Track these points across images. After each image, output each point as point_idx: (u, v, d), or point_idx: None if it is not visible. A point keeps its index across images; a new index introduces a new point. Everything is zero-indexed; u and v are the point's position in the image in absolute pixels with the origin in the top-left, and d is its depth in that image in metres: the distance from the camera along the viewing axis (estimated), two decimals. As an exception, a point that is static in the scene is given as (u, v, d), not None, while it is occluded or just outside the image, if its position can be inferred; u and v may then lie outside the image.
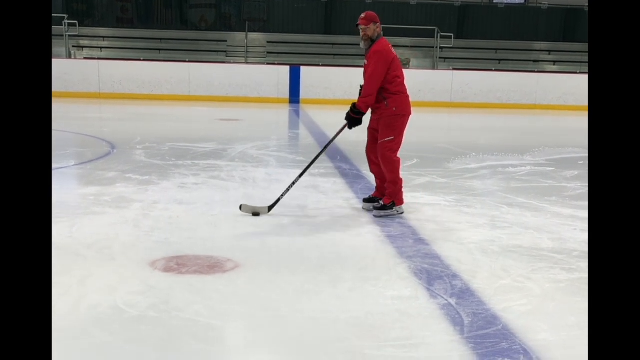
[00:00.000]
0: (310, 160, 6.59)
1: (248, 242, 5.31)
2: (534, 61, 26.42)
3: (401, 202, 6.38)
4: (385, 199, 6.35)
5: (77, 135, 11.93)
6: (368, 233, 5.74)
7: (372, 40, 6.22)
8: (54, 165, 8.11)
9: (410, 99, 6.30)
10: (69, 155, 9.68)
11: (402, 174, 6.09)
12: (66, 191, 6.95)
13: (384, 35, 6.24)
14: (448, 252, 5.14)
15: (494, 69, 24.24)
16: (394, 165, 6.28)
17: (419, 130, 15.35)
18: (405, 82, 6.32)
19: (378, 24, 6.21)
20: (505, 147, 11.98)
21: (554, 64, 26.35)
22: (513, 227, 6.00)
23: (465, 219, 6.27)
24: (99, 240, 5.17)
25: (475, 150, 10.98)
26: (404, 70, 6.33)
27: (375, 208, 6.34)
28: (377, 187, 6.67)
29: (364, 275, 4.55)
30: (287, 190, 6.36)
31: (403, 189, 6.39)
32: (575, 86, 21.51)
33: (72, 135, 11.81)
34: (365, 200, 6.62)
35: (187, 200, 6.65)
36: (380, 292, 4.23)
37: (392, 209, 6.29)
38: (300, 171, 6.52)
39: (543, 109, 21.59)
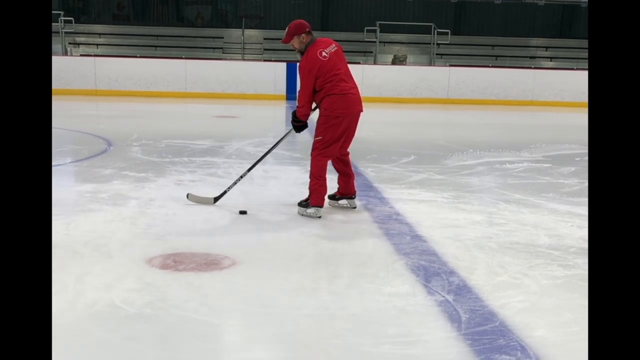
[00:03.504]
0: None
1: (245, 239, 5.31)
2: (531, 57, 26.48)
3: (318, 202, 6.14)
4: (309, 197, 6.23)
5: (73, 133, 11.90)
6: (365, 230, 5.75)
7: (302, 52, 6.11)
8: (50, 163, 8.10)
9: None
10: (66, 152, 9.68)
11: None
12: (63, 188, 6.93)
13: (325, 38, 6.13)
14: (445, 249, 5.14)
15: (490, 65, 24.27)
16: (316, 162, 6.09)
17: (415, 127, 15.39)
18: (356, 78, 6.23)
19: (303, 34, 6.05)
20: (502, 143, 11.99)
21: (551, 60, 26.40)
22: (510, 223, 6.00)
23: (462, 215, 6.28)
24: (96, 238, 5.17)
25: (472, 147, 10.99)
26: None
27: (299, 204, 6.26)
28: (338, 184, 6.53)
29: (361, 272, 4.55)
30: (235, 183, 6.47)
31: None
32: (572, 82, 21.55)
33: (68, 132, 11.79)
34: (330, 197, 6.52)
35: (184, 198, 6.63)
36: (377, 288, 4.23)
37: (311, 208, 6.13)
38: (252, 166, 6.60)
39: (540, 105, 21.58)
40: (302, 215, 6.12)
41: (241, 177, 6.50)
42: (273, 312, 3.82)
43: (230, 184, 6.44)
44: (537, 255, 5.01)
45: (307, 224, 5.85)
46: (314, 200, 6.14)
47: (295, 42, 6.09)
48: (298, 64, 6.17)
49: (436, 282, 4.36)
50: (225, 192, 6.36)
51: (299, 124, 6.27)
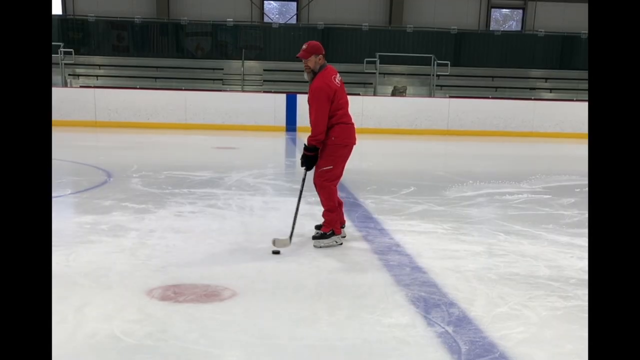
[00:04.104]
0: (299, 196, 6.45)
1: (245, 271, 5.30)
2: (531, 88, 26.57)
3: (339, 231, 6.29)
4: (323, 227, 6.26)
5: (73, 164, 11.92)
6: (365, 261, 5.74)
7: (314, 73, 6.08)
8: (50, 194, 8.10)
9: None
10: (65, 183, 9.69)
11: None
12: (63, 220, 6.94)
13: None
14: (445, 280, 5.13)
15: (490, 96, 24.34)
16: (330, 193, 6.19)
17: (415, 158, 15.40)
18: (356, 109, 6.22)
19: (320, 55, 6.06)
20: (502, 174, 12.01)
21: (550, 92, 26.49)
22: (510, 254, 6.00)
23: (462, 246, 6.27)
24: (96, 269, 5.17)
25: (472, 178, 11.00)
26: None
27: (314, 237, 6.26)
28: None
29: (361, 303, 4.55)
30: (295, 221, 6.25)
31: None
32: (571, 113, 21.63)
33: (68, 163, 11.80)
34: (317, 227, 6.48)
35: (183, 229, 6.64)
36: (377, 319, 4.23)
37: (330, 237, 6.21)
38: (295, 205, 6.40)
39: (540, 137, 21.64)
40: (321, 247, 6.12)
41: (296, 212, 6.28)
42: (273, 343, 3.81)
43: (292, 221, 6.22)
44: (537, 287, 5.01)
45: (307, 255, 5.84)
46: (337, 229, 6.26)
47: (311, 61, 6.05)
48: (309, 87, 6.08)
49: (436, 313, 4.35)
50: (293, 230, 6.17)
51: (311, 153, 6.10)
